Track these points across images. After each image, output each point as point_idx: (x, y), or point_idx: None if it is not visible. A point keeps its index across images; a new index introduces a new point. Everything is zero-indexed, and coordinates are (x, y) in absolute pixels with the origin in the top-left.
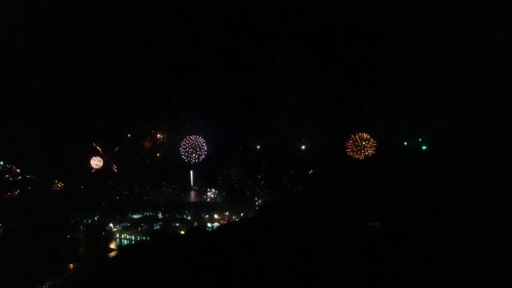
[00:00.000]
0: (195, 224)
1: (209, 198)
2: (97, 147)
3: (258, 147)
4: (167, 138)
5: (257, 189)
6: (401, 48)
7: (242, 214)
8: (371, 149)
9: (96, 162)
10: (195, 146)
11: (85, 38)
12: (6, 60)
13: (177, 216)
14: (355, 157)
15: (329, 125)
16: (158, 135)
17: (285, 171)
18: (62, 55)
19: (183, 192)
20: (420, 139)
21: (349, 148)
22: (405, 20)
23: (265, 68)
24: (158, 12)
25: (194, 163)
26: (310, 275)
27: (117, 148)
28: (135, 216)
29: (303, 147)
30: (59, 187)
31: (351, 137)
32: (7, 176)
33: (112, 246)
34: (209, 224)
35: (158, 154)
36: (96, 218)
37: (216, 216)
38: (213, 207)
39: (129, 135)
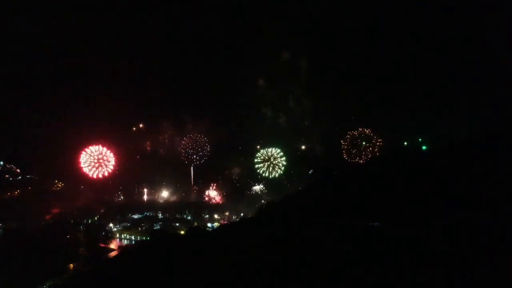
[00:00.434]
0: (195, 224)
1: (208, 198)
2: None
3: (258, 146)
4: (168, 137)
5: (258, 190)
6: (401, 48)
7: (242, 214)
8: (373, 148)
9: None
10: (196, 146)
11: (86, 38)
12: (6, 60)
13: (177, 216)
14: (353, 160)
15: (329, 126)
16: (159, 135)
17: (286, 171)
18: (62, 55)
19: (183, 192)
20: (420, 139)
21: (346, 149)
22: (405, 20)
23: (265, 68)
24: (162, 11)
25: (195, 164)
26: (310, 275)
27: None
28: (135, 216)
29: (303, 147)
30: (59, 187)
31: (348, 133)
32: (7, 176)
33: (112, 246)
34: (209, 224)
35: (159, 154)
36: (96, 218)
37: (216, 216)
38: (213, 207)
39: (130, 134)
